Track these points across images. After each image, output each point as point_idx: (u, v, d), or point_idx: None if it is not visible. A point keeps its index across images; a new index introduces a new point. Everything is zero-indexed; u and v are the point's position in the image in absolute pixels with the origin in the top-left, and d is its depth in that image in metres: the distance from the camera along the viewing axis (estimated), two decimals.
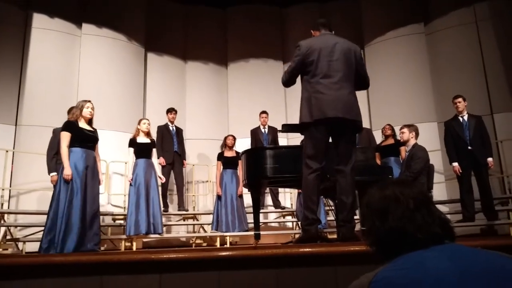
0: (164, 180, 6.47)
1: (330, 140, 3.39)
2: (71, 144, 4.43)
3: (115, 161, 7.14)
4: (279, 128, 4.01)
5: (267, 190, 7.52)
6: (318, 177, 3.25)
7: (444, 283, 0.90)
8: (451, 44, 7.75)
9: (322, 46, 3.34)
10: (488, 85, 7.31)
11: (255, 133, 7.68)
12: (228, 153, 7.04)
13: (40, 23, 7.39)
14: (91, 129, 4.64)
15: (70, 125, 4.47)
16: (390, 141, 6.66)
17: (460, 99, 5.83)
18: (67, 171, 4.28)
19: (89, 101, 4.65)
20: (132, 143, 5.96)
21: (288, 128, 4.01)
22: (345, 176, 3.26)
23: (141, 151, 5.95)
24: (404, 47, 8.12)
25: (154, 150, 6.11)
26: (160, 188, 6.28)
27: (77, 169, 4.36)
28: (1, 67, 7.10)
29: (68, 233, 4.15)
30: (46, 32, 7.39)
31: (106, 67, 7.79)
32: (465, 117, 5.79)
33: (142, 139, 5.98)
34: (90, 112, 4.59)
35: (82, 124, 4.55)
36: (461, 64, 7.56)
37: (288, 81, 3.51)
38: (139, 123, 6.06)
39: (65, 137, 4.41)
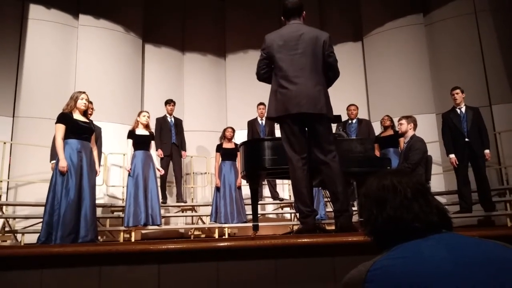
0: (162, 172, 6.48)
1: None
2: (66, 136, 4.38)
3: (113, 153, 7.14)
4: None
5: (265, 181, 7.53)
6: (302, 169, 3.24)
7: (441, 272, 0.90)
8: (450, 35, 7.73)
9: (286, 39, 3.31)
10: (486, 76, 7.30)
11: (252, 125, 7.67)
12: (227, 145, 7.04)
13: (37, 14, 7.33)
14: (86, 120, 4.59)
15: (65, 117, 4.42)
16: (389, 132, 6.66)
17: (458, 91, 5.83)
18: (63, 163, 4.25)
19: (84, 92, 4.59)
20: (131, 135, 5.98)
21: None
22: (328, 167, 3.24)
23: (139, 143, 5.96)
24: (403, 38, 8.09)
25: (153, 142, 6.11)
26: (158, 180, 6.29)
27: (72, 160, 4.32)
28: None
29: (65, 225, 4.13)
30: (43, 23, 7.34)
31: (103, 59, 7.76)
32: (463, 109, 5.79)
33: (141, 131, 5.99)
34: (85, 103, 4.53)
35: (77, 115, 4.49)
36: (460, 55, 7.54)
37: (257, 75, 3.51)
38: (138, 115, 6.07)
39: (60, 129, 4.36)
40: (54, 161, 5.05)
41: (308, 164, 3.29)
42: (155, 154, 6.26)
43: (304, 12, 3.47)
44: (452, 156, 5.73)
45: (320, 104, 3.21)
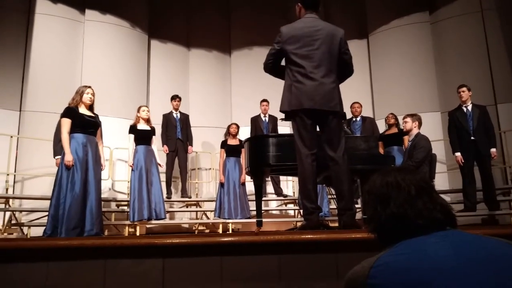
0: (163, 167, 6.51)
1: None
2: (72, 130, 4.40)
3: (119, 148, 7.17)
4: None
5: (268, 178, 7.54)
6: (311, 165, 3.23)
7: (445, 268, 0.90)
8: (456, 33, 7.69)
9: (303, 33, 3.25)
10: (492, 75, 7.26)
11: (255, 121, 7.67)
12: (231, 141, 7.06)
13: (44, 9, 7.36)
14: (92, 114, 4.61)
15: (70, 111, 4.44)
16: (393, 130, 6.65)
17: (464, 89, 5.80)
18: (68, 157, 4.27)
19: (89, 87, 4.61)
20: (132, 129, 6.01)
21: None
22: (337, 163, 3.24)
23: (141, 138, 6.00)
24: (408, 36, 8.06)
25: (154, 137, 6.14)
26: (161, 175, 6.32)
27: (78, 154, 4.34)
28: (5, 53, 7.11)
29: (70, 219, 4.16)
30: (49, 18, 7.37)
31: (109, 54, 7.78)
32: (469, 107, 5.76)
33: (142, 126, 6.03)
34: (90, 98, 4.55)
35: (83, 110, 4.52)
36: (465, 53, 7.50)
37: (266, 67, 3.44)
38: (138, 111, 6.11)
39: (66, 123, 4.39)
40: (58, 157, 5.10)
41: (316, 161, 3.29)
42: (157, 149, 6.29)
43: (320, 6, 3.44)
44: (458, 154, 5.71)
45: (334, 101, 3.22)
